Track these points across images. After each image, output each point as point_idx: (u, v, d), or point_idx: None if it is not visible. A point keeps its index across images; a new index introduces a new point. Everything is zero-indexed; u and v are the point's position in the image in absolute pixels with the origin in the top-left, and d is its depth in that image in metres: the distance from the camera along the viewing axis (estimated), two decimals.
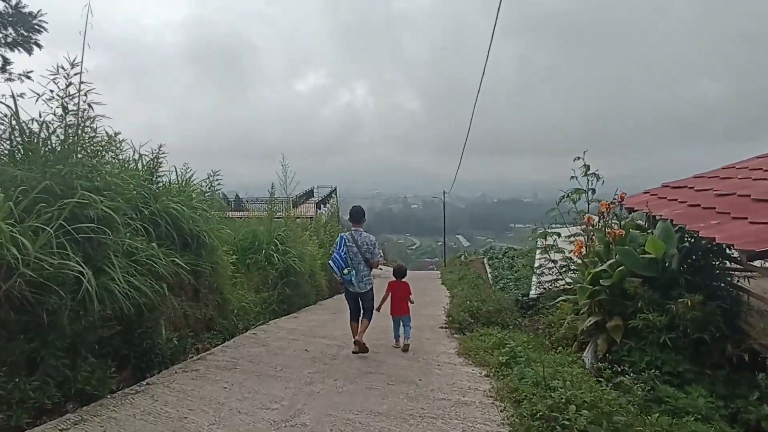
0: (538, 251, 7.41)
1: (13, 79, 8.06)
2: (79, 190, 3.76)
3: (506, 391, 3.72)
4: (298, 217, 17.06)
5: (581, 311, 4.48)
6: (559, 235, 6.56)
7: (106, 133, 4.55)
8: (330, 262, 5.35)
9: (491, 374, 4.39)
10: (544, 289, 7.26)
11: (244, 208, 15.15)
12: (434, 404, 3.65)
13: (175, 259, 4.96)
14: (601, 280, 3.98)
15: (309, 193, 30.66)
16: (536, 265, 7.51)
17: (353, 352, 5.22)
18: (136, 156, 5.54)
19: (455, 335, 6.54)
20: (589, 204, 6.49)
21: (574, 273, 6.42)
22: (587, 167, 6.31)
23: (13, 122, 4.08)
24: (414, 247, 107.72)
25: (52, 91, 3.83)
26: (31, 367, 3.43)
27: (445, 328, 7.09)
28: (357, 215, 5.42)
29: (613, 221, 4.83)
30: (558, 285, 6.79)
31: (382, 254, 5.64)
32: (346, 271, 5.14)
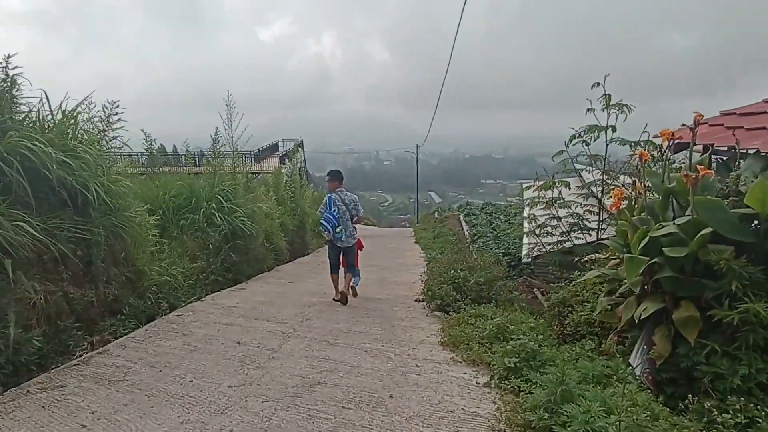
0: (533, 206, 6.01)
1: None
2: None
3: (524, 424, 2.39)
4: (259, 173, 15.10)
5: (621, 290, 3.15)
6: (568, 185, 5.16)
7: None
8: (322, 221, 5.68)
9: (493, 384, 3.05)
10: (543, 251, 5.96)
11: (204, 163, 13.08)
12: None
13: (21, 224, 3.27)
14: (665, 249, 2.61)
15: (273, 147, 28.31)
16: (531, 223, 6.14)
17: (334, 299, 5.70)
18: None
19: (435, 312, 5.22)
20: (607, 145, 5.06)
21: (586, 233, 5.12)
22: (608, 97, 4.80)
23: None
24: (386, 204, 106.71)
25: None
26: None
27: (422, 301, 5.76)
28: (339, 176, 5.85)
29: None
30: (563, 247, 5.47)
31: (363, 210, 6.04)
32: (338, 229, 5.61)
